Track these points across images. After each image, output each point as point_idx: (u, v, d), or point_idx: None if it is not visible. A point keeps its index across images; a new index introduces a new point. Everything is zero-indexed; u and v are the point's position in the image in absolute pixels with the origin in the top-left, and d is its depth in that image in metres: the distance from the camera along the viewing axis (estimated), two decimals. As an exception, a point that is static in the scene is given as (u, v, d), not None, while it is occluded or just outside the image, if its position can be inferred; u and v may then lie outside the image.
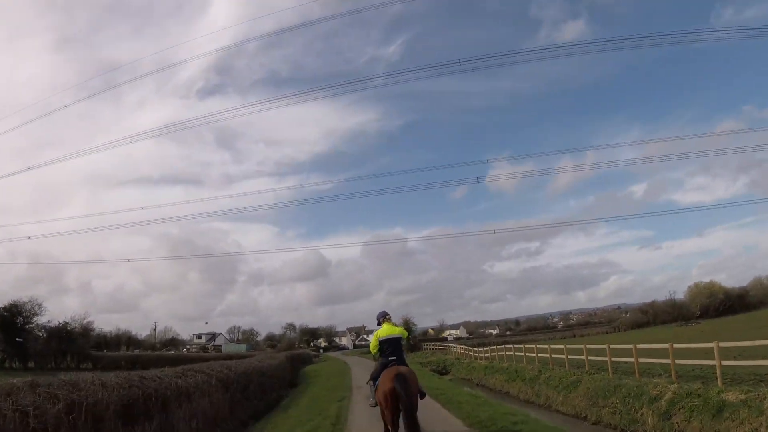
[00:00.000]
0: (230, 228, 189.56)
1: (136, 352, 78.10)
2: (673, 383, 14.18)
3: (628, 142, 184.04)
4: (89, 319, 57.72)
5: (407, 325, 70.63)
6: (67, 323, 52.66)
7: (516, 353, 29.79)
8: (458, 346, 52.10)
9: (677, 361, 15.56)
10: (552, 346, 25.82)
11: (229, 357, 54.28)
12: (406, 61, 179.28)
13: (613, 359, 19.39)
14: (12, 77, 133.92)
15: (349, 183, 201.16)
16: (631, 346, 18.35)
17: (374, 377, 9.03)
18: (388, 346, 9.02)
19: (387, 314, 9.49)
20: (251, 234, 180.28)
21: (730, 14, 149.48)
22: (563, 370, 21.51)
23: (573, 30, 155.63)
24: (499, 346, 35.09)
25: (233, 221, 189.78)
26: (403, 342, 9.44)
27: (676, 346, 15.95)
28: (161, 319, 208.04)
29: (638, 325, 77.19)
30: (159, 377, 13.37)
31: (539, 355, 26.59)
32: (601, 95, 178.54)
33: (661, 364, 16.87)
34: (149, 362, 49.75)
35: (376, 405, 9.03)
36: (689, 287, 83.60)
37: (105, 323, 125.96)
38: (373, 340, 9.33)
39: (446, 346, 60.70)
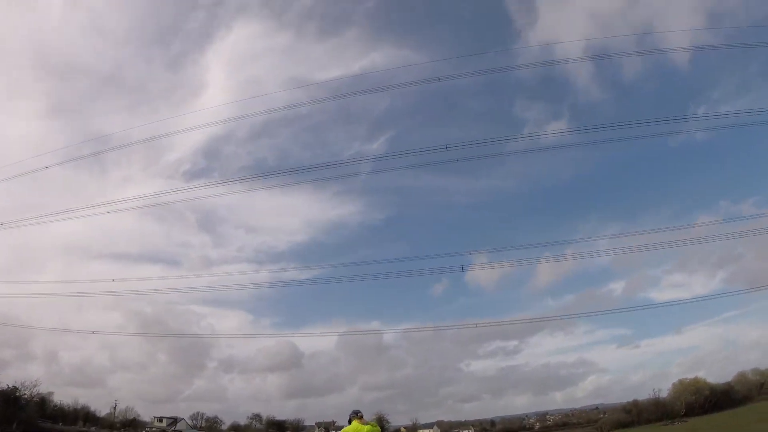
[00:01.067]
0: (206, 312, 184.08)
1: (92, 429, 72.45)
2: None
3: (607, 237, 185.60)
4: (40, 387, 53.68)
5: (381, 422, 67.02)
6: (16, 388, 48.27)
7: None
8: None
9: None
10: None
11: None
12: (390, 157, 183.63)
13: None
14: (3, 135, 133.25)
15: (328, 272, 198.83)
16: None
17: None
18: None
19: (359, 412, 9.54)
20: (226, 320, 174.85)
21: (704, 111, 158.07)
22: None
23: (555, 130, 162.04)
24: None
25: (209, 305, 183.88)
26: None
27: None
28: (126, 398, 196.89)
29: (622, 425, 74.27)
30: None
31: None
32: (579, 193, 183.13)
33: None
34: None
35: None
36: (674, 384, 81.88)
37: (68, 396, 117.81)
38: None
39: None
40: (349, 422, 9.75)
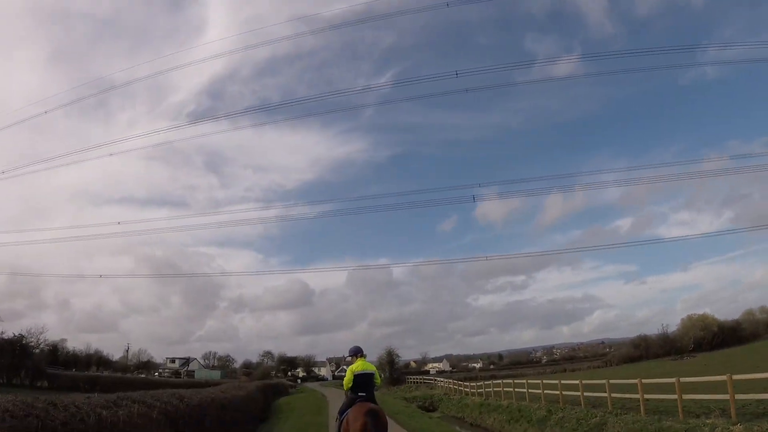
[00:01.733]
0: (215, 252, 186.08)
1: (105, 373, 73.85)
2: (734, 423, 11.20)
3: (615, 173, 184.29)
4: (47, 334, 53.88)
5: (391, 356, 67.32)
6: (22, 336, 48.26)
7: (516, 389, 26.34)
8: (445, 379, 48.39)
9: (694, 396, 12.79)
10: (562, 382, 22.77)
11: (200, 384, 50.44)
12: (397, 94, 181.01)
13: (629, 396, 17.40)
14: (4, 86, 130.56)
15: (337, 206, 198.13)
16: (657, 380, 15.61)
17: (342, 411, 8.92)
18: (361, 381, 8.98)
19: (361, 350, 9.40)
20: (236, 259, 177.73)
21: (714, 50, 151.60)
22: (579, 410, 18.39)
23: (566, 65, 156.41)
24: (495, 381, 31.60)
25: (218, 246, 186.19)
26: (375, 381, 9.29)
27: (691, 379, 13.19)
28: (139, 341, 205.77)
29: (630, 360, 74.16)
30: (76, 406, 9.97)
31: (546, 391, 23.48)
32: (587, 130, 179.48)
33: (697, 401, 14.22)
34: (110, 384, 45.88)
35: None
36: (682, 320, 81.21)
37: (81, 343, 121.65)
38: (347, 374, 9.25)
39: (431, 379, 56.96)
40: (352, 358, 9.50)
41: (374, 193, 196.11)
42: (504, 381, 28.84)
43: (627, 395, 17.99)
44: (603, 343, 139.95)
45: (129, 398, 13.19)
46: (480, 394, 31.74)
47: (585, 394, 20.10)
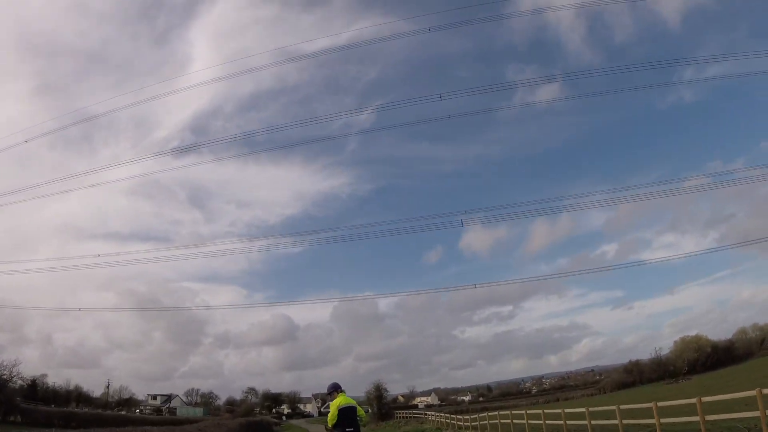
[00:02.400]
0: (199, 288, 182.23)
1: (84, 409, 70.08)
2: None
3: (599, 194, 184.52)
4: (20, 367, 50.81)
5: (379, 390, 64.52)
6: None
7: (514, 420, 24.01)
8: (435, 413, 45.78)
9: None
10: (566, 411, 20.89)
11: (180, 421, 47.35)
12: (380, 123, 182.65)
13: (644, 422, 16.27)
14: None
15: (324, 241, 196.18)
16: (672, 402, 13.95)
17: None
18: (346, 415, 8.92)
19: (339, 386, 9.44)
20: (220, 295, 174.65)
21: (691, 73, 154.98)
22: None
23: (546, 92, 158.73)
24: (490, 413, 29.32)
25: (202, 281, 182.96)
26: (359, 415, 9.27)
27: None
28: (122, 377, 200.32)
29: (624, 386, 72.35)
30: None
31: (547, 422, 21.51)
32: (568, 158, 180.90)
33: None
34: (86, 421, 42.63)
35: None
36: (675, 342, 79.88)
37: (64, 378, 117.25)
38: (331, 410, 9.19)
39: (421, 413, 54.21)
40: (333, 394, 9.64)
41: (359, 224, 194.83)
42: (501, 413, 26.59)
43: (641, 420, 16.71)
44: (593, 370, 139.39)
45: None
46: (475, 428, 29.45)
47: (593, 422, 18.38)
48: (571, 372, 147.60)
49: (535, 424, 23.17)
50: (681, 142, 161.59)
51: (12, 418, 42.00)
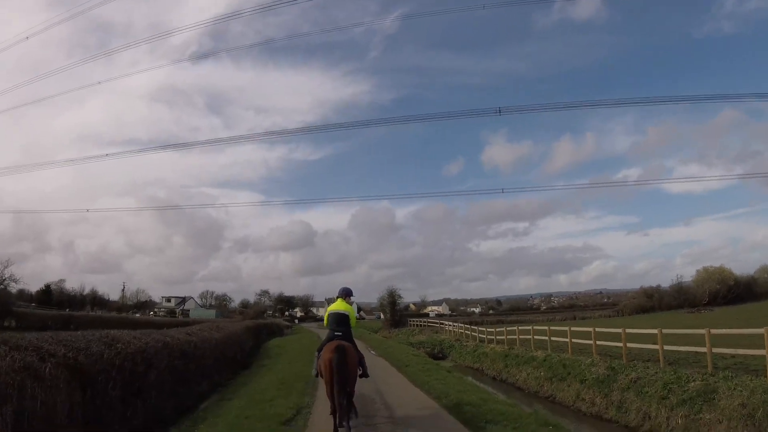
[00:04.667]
0: (218, 194, 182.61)
1: (99, 313, 70.91)
2: None
3: (622, 125, 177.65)
4: (12, 268, 49.63)
5: (392, 296, 63.26)
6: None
7: (552, 338, 21.59)
8: (453, 323, 44.09)
9: None
10: (597, 329, 18.45)
11: (188, 324, 46.43)
12: (403, 35, 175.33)
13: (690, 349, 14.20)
14: (4, 33, 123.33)
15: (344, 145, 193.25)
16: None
17: (319, 349, 9.15)
18: (335, 319, 9.22)
19: (348, 291, 9.63)
20: (239, 200, 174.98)
21: (732, 4, 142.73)
22: (656, 368, 13.76)
23: (580, 8, 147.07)
24: (522, 327, 26.97)
25: (220, 187, 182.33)
26: (350, 321, 9.38)
27: None
28: (143, 282, 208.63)
29: (643, 310, 70.31)
30: None
31: (574, 340, 19.40)
32: (597, 79, 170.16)
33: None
34: (85, 324, 41.74)
35: (317, 375, 9.21)
36: (698, 271, 77.25)
37: (87, 284, 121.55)
38: (326, 313, 9.67)
39: (436, 323, 52.86)
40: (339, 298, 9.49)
41: (379, 133, 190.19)
42: (535, 327, 24.16)
43: (685, 348, 14.38)
44: (601, 293, 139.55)
45: (14, 344, 8.53)
46: (500, 342, 27.35)
47: (629, 345, 16.14)
48: (579, 293, 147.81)
49: (559, 342, 21.00)
50: (715, 74, 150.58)
51: (6, 323, 41.38)
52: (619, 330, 16.56)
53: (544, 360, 19.23)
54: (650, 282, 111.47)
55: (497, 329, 29.45)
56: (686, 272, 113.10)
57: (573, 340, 19.35)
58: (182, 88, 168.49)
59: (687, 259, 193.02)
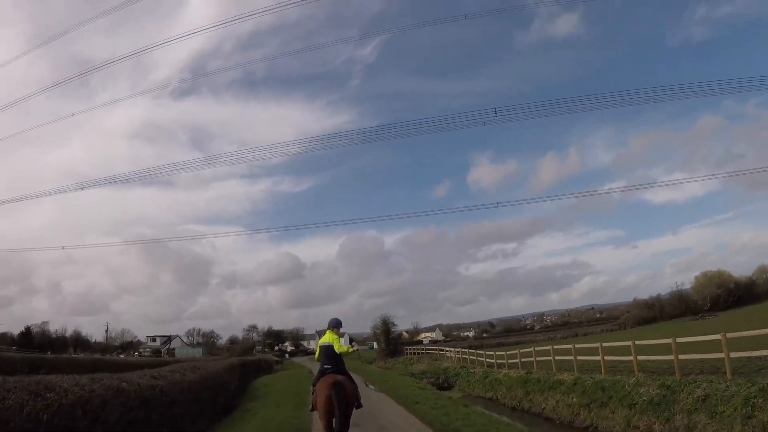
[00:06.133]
0: (204, 230, 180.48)
1: (82, 355, 67.26)
2: None
3: (606, 133, 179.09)
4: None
5: (386, 325, 60.08)
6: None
7: (579, 357, 18.98)
8: (454, 349, 41.23)
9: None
10: (637, 343, 15.94)
11: (166, 363, 42.94)
12: (383, 62, 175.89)
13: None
14: None
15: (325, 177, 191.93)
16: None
17: (314, 384, 9.01)
18: (324, 353, 9.08)
19: (338, 322, 9.46)
20: (225, 236, 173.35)
21: (703, 11, 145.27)
22: (729, 382, 11.28)
23: (557, 26, 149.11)
24: (538, 348, 24.35)
25: (206, 224, 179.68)
26: (336, 347, 9.08)
27: None
28: (131, 321, 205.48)
29: (645, 321, 68.15)
30: None
31: (606, 357, 16.67)
32: (576, 94, 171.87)
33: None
34: (59, 367, 38.23)
35: (313, 410, 9.10)
36: (696, 277, 75.59)
37: (74, 325, 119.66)
38: (317, 347, 9.50)
39: (435, 349, 49.92)
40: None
41: (365, 161, 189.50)
42: (556, 347, 21.56)
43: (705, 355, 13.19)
44: (593, 308, 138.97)
45: None
46: (513, 366, 24.67)
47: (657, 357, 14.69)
48: (571, 310, 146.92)
49: (588, 360, 18.64)
50: (690, 80, 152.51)
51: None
52: (667, 340, 14.04)
53: (575, 384, 16.58)
54: (641, 294, 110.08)
55: (508, 352, 26.77)
56: (676, 281, 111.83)
57: (606, 358, 16.77)
58: (164, 124, 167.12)
59: (676, 268, 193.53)
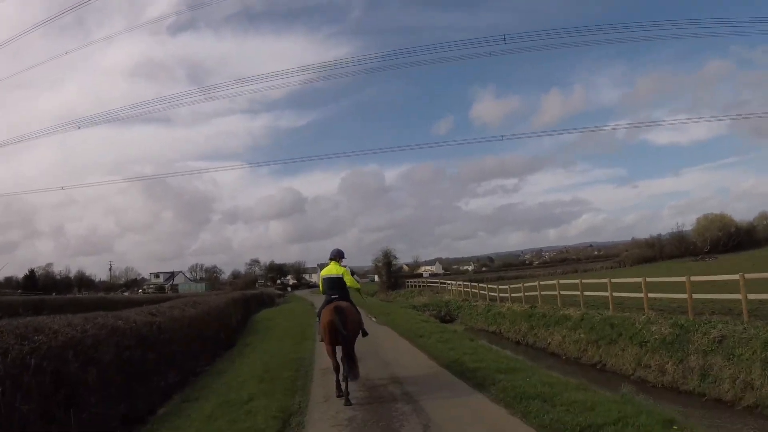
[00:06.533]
0: (204, 166, 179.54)
1: (86, 294, 68.03)
2: None
3: (610, 77, 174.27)
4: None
5: (388, 257, 60.27)
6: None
7: (586, 292, 18.65)
8: (456, 282, 41.34)
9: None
10: (648, 280, 15.44)
11: (169, 299, 43.27)
12: None
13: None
14: None
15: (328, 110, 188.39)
16: None
17: (318, 314, 9.05)
18: (329, 284, 8.99)
19: (340, 253, 9.27)
20: (225, 172, 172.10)
21: None
22: (746, 324, 10.85)
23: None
24: (543, 282, 24.17)
25: (206, 160, 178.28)
26: (346, 279, 9.01)
27: None
28: (135, 260, 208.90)
29: (645, 260, 68.36)
30: None
31: (615, 294, 16.43)
32: (584, 30, 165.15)
33: None
34: (58, 307, 38.43)
35: (321, 340, 8.95)
36: (698, 219, 75.27)
37: (76, 266, 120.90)
38: (320, 278, 9.45)
39: (436, 282, 50.18)
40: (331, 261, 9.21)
41: (369, 93, 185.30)
42: (561, 281, 21.32)
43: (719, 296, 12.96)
44: (591, 246, 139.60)
45: None
46: (516, 300, 24.52)
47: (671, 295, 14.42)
48: (569, 246, 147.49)
49: (595, 296, 18.37)
50: (703, 22, 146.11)
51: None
52: (681, 279, 13.53)
53: (582, 320, 16.28)
54: (639, 234, 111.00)
55: (511, 286, 26.57)
56: (677, 222, 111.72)
57: (614, 294, 16.36)
58: (161, 61, 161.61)
59: (675, 210, 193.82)
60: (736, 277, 11.66)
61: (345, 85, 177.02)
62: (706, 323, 11.70)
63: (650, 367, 11.89)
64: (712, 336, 10.89)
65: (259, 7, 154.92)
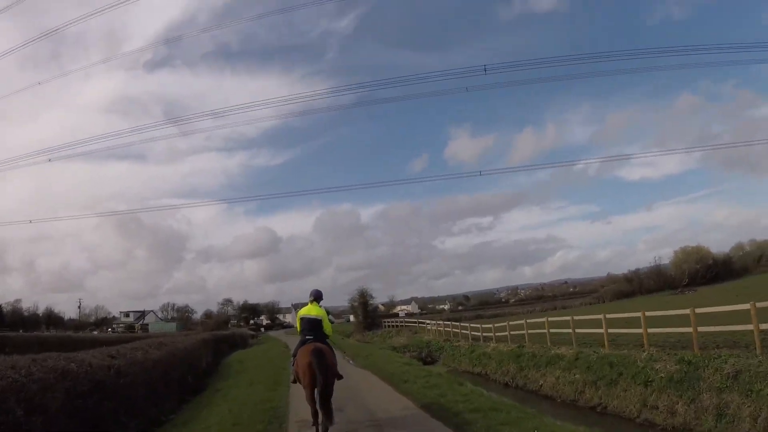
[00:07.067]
0: (179, 204, 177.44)
1: (54, 332, 65.48)
2: None
3: (581, 115, 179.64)
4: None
5: (364, 297, 58.78)
6: None
7: (578, 329, 17.82)
8: (436, 322, 40.13)
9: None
10: (648, 314, 14.73)
11: (138, 338, 41.23)
12: (359, 35, 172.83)
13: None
14: None
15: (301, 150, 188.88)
16: None
17: (294, 354, 8.89)
18: (306, 325, 8.87)
19: (318, 294, 9.18)
20: (200, 210, 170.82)
21: None
22: (759, 357, 10.09)
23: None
24: (530, 320, 23.27)
25: (181, 198, 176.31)
26: (324, 327, 8.90)
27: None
28: (107, 298, 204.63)
29: (624, 295, 68.31)
30: None
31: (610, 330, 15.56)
32: (553, 71, 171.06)
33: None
34: (20, 345, 36.02)
35: (295, 381, 8.92)
36: (675, 252, 76.10)
37: (44, 303, 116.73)
38: (297, 318, 9.33)
39: (414, 322, 48.85)
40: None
41: (342, 133, 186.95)
42: (551, 318, 20.47)
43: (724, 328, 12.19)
44: (566, 282, 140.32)
45: None
46: (501, 340, 23.52)
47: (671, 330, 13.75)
48: (544, 283, 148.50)
49: (586, 333, 17.70)
50: (669, 60, 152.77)
51: None
52: (685, 311, 12.79)
53: (576, 358, 15.33)
54: (613, 269, 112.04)
55: (496, 325, 25.60)
56: (654, 256, 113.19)
57: (609, 330, 15.56)
58: (138, 97, 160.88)
59: (649, 245, 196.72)
60: (743, 307, 10.98)
61: (320, 124, 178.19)
62: (716, 358, 10.93)
63: (657, 408, 10.99)
64: (725, 371, 10.10)
65: (236, 46, 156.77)
